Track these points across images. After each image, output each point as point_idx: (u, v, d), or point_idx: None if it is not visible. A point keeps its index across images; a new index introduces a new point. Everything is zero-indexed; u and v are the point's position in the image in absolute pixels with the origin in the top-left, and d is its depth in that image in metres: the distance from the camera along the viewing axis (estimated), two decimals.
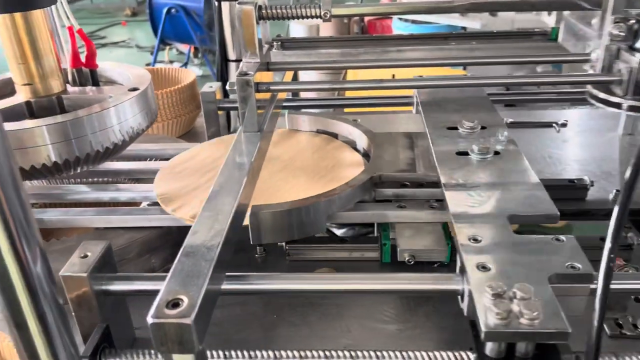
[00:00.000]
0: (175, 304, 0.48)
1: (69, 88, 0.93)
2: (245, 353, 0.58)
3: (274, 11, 0.82)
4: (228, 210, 0.62)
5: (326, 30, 3.36)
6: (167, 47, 5.27)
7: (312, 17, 0.81)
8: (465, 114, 0.87)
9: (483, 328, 0.47)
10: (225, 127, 1.23)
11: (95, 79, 0.94)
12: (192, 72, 1.39)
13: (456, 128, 0.83)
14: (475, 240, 0.59)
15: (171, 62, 5.18)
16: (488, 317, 0.47)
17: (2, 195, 0.41)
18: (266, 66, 0.88)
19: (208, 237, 0.57)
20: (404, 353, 0.58)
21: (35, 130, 0.76)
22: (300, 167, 0.88)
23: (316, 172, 0.86)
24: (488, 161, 0.75)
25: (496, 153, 0.77)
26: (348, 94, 1.44)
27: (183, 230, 0.90)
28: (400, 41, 1.13)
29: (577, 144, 1.22)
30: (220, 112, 1.11)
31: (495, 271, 0.53)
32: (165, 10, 4.61)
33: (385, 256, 0.83)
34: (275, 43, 1.11)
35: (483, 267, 0.54)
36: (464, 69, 2.16)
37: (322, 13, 0.80)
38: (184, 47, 5.33)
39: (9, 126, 0.76)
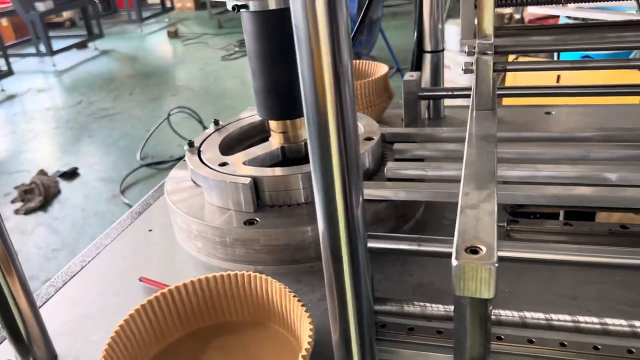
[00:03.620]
0: (473, 250, 0.52)
1: None
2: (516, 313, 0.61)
3: None
4: (490, 178, 0.65)
5: None
6: None
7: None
8: None
9: None
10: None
11: None
12: (384, 66, 1.46)
13: None
14: None
15: None
16: None
17: (343, 145, 0.48)
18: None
19: (481, 198, 0.61)
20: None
21: (291, 178, 0.89)
22: None
23: None
24: None
25: None
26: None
27: (407, 204, 0.95)
28: (616, 27, 1.09)
29: None
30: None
31: None
32: None
33: None
34: None
35: None
36: None
37: None
38: None
39: (269, 171, 0.91)
